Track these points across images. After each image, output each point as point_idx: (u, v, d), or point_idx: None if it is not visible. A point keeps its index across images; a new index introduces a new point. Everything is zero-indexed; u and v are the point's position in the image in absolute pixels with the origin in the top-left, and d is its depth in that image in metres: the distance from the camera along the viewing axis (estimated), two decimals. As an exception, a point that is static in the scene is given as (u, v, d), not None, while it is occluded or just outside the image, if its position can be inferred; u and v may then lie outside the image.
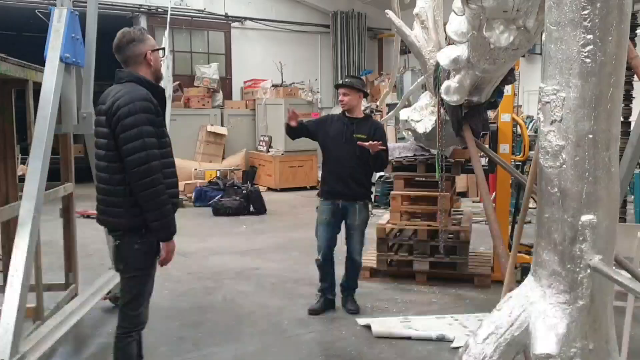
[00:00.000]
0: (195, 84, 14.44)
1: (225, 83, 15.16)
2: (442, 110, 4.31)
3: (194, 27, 15.08)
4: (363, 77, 15.59)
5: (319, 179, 5.65)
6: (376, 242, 5.75)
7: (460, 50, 3.89)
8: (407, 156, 5.70)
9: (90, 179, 4.63)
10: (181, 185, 12.18)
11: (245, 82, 15.54)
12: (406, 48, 5.07)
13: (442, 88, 4.07)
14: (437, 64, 4.36)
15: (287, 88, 14.24)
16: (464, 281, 5.75)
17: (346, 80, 5.08)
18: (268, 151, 13.87)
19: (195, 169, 12.95)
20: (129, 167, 2.97)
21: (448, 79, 4.15)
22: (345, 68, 16.80)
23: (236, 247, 7.75)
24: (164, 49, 3.39)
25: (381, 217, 5.98)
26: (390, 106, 10.57)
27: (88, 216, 9.78)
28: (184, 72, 14.88)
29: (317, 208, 5.09)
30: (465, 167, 5.71)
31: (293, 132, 4.96)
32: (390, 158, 5.80)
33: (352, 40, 16.89)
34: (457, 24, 3.68)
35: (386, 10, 4.74)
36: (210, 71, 14.69)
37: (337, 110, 17.19)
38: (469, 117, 4.23)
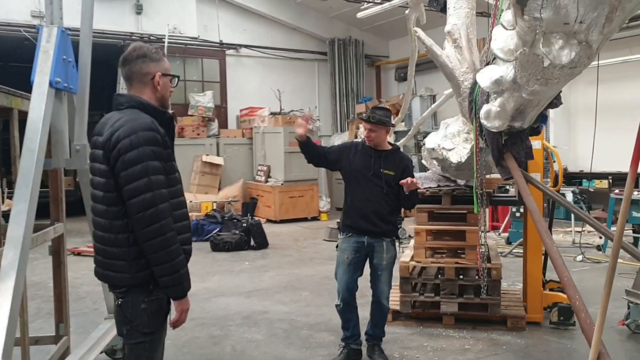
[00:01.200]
0: (189, 113, 14.00)
1: (220, 111, 14.73)
2: (479, 138, 3.85)
3: (188, 55, 14.70)
4: (388, 111, 15.22)
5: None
6: (399, 282, 5.23)
7: (504, 70, 3.45)
8: (430, 187, 5.23)
9: (82, 212, 4.11)
10: (177, 218, 11.66)
11: (241, 111, 15.12)
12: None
13: (482, 113, 3.61)
14: (473, 86, 3.92)
15: (286, 116, 13.82)
16: (495, 323, 5.22)
17: (374, 115, 4.42)
18: (267, 181, 13.39)
19: (191, 201, 12.41)
20: (133, 211, 2.47)
21: (487, 102, 3.70)
22: (344, 95, 16.45)
23: (240, 287, 7.19)
24: (178, 77, 2.89)
25: (402, 254, 5.47)
26: (398, 134, 10.12)
27: (79, 254, 9.22)
28: (177, 101, 14.43)
29: (336, 247, 4.59)
30: (493, 199, 5.24)
31: (307, 151, 4.46)
32: (411, 189, 5.35)
33: (350, 67, 16.56)
34: (505, 39, 3.24)
35: (415, 29, 4.29)
36: (205, 99, 14.26)
37: (337, 139, 16.77)
38: (511, 144, 3.77)
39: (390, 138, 10.47)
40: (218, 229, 10.54)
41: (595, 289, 6.72)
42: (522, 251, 8.37)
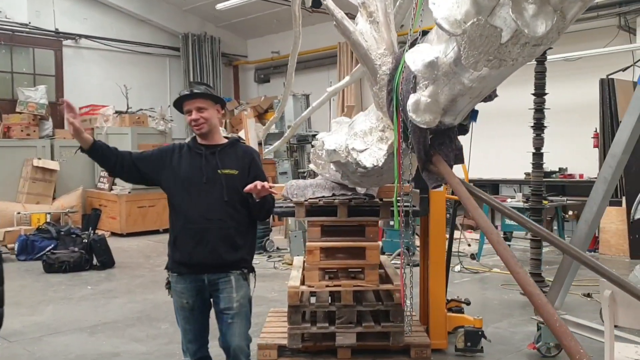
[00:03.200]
0: (17, 110, 12.00)
1: (55, 109, 12.82)
2: (401, 136, 3.09)
3: (17, 44, 12.68)
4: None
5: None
6: (287, 312, 4.32)
7: (442, 50, 2.69)
8: (323, 196, 4.39)
9: None
10: (0, 233, 9.79)
11: (81, 109, 13.28)
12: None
13: (410, 104, 2.82)
14: (393, 72, 3.14)
15: (134, 115, 12.35)
16: (397, 353, 4.50)
17: (196, 88, 3.37)
18: (111, 189, 11.85)
19: (19, 213, 10.57)
20: None
21: (414, 91, 2.94)
22: (198, 95, 15.22)
23: (82, 320, 5.81)
24: None
25: (290, 278, 4.55)
26: (270, 137, 9.24)
27: None
28: (2, 96, 12.36)
29: (168, 288, 3.39)
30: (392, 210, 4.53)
31: (95, 156, 3.43)
32: (301, 199, 4.48)
33: (206, 65, 15.40)
34: (450, 6, 2.47)
35: (323, -1, 3.41)
36: (37, 95, 12.33)
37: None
38: (438, 145, 3.02)
39: (262, 142, 9.52)
40: (53, 245, 8.91)
41: (486, 303, 6.34)
42: (399, 262, 7.94)
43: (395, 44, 3.26)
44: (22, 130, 11.72)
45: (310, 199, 4.42)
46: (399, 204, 3.22)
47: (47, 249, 8.84)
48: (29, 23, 12.83)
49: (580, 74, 9.89)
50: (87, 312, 6.12)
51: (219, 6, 11.36)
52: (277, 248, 9.45)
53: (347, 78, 5.23)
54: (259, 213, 3.34)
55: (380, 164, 3.25)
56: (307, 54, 13.35)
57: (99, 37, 14.04)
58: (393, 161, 3.43)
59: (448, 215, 5.36)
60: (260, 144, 9.44)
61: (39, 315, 5.96)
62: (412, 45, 2.90)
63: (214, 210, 3.22)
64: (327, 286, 4.32)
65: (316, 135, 5.09)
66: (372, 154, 3.29)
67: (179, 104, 3.36)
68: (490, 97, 3.03)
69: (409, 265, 7.67)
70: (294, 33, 5.12)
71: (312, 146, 4.93)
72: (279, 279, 7.37)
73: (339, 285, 4.30)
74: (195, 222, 3.22)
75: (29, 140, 11.74)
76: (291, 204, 4.51)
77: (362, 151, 3.31)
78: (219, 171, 3.27)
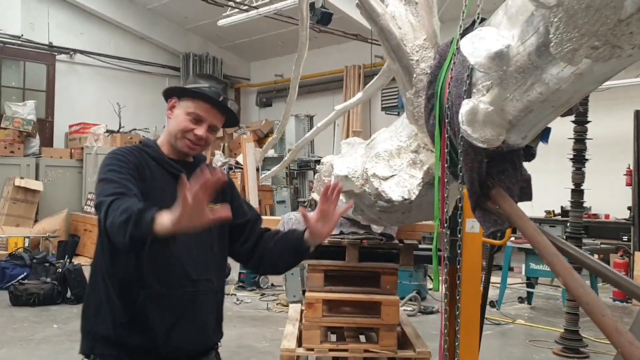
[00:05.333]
0: (2, 126, 11.25)
1: (44, 126, 12.10)
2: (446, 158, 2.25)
3: (7, 56, 12.04)
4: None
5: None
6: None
7: (514, 35, 1.87)
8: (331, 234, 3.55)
9: None
10: (-30, 257, 8.94)
11: (71, 127, 12.56)
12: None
13: (462, 113, 2.00)
14: (436, 71, 2.33)
15: (127, 135, 11.58)
16: None
17: (231, 103, 2.15)
18: (98, 213, 10.96)
19: (-4, 235, 9.70)
20: None
21: (468, 96, 2.12)
22: (197, 117, 14.48)
23: (36, 369, 4.93)
24: None
25: (284, 336, 3.65)
26: (267, 161, 8.43)
27: None
28: (-12, 109, 11.66)
29: None
30: (417, 254, 3.67)
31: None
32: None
33: (206, 86, 14.68)
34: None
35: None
36: (24, 110, 11.63)
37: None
38: (498, 172, 2.20)
39: (259, 167, 8.70)
40: (24, 274, 8.01)
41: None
42: (410, 309, 7.08)
43: (438, 33, 2.44)
44: (5, 147, 10.99)
45: (312, 237, 3.56)
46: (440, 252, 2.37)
47: (18, 278, 7.95)
48: (22, 35, 12.19)
49: (613, 105, 9.11)
50: (46, 359, 5.21)
51: (221, 22, 10.67)
52: (272, 284, 8.53)
53: (359, 94, 4.42)
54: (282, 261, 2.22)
55: (412, 197, 2.39)
56: (312, 78, 12.66)
57: (95, 52, 13.39)
58: (428, 194, 2.59)
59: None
60: (257, 169, 8.63)
61: (-12, 361, 5.08)
62: (467, 32, 2.09)
63: (202, 267, 2.07)
64: (330, 350, 3.41)
65: (319, 160, 4.22)
66: (401, 183, 2.43)
67: (184, 94, 2.10)
68: (571, 110, 2.21)
69: (422, 312, 6.74)
70: (299, 39, 4.34)
71: (316, 171, 4.09)
72: (272, 323, 6.47)
73: (346, 350, 3.40)
74: (179, 285, 2.04)
75: (12, 157, 11.03)
76: (288, 242, 3.64)
77: (386, 179, 2.46)
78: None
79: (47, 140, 12.08)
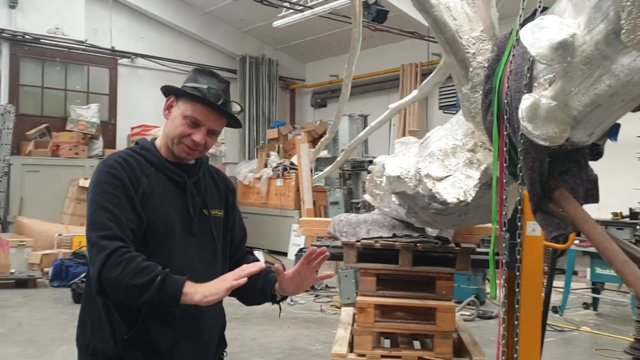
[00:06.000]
0: (67, 128, 11.65)
1: (107, 128, 12.45)
2: (505, 157, 2.12)
3: (72, 61, 12.41)
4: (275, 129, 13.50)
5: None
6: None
7: (580, 24, 1.72)
8: (381, 237, 3.44)
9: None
10: (38, 256, 9.27)
11: (132, 129, 12.90)
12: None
13: (523, 109, 1.86)
14: (494, 64, 2.20)
15: (185, 137, 11.79)
16: None
17: (234, 106, 2.10)
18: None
19: (60, 235, 10.04)
20: None
21: (529, 90, 1.98)
22: (254, 119, 14.62)
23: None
24: None
25: (336, 340, 3.57)
26: (320, 161, 8.38)
27: None
28: (55, 114, 12.10)
29: None
30: (475, 259, 3.51)
31: None
32: (352, 239, 3.53)
33: (262, 88, 14.82)
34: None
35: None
36: (88, 113, 12.02)
37: (245, 167, 14.77)
38: (561, 172, 2.05)
39: (312, 168, 8.68)
40: (86, 272, 8.24)
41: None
42: (467, 314, 6.87)
43: (496, 24, 2.31)
44: (70, 149, 11.37)
45: (363, 239, 3.45)
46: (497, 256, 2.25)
47: (81, 276, 8.18)
48: (86, 40, 12.56)
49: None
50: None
51: (276, 24, 10.71)
52: (326, 286, 8.46)
53: (414, 92, 4.30)
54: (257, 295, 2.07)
55: (469, 198, 2.27)
56: (366, 77, 12.54)
57: (156, 56, 13.69)
58: (486, 195, 2.46)
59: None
60: (311, 170, 8.58)
61: (48, 358, 5.21)
62: (527, 21, 1.95)
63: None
64: (382, 357, 3.31)
65: (373, 160, 4.11)
66: (457, 184, 2.31)
67: (177, 94, 1.99)
68: (640, 105, 2.03)
69: (480, 317, 6.51)
70: (352, 36, 4.26)
71: (369, 172, 4.00)
72: (326, 325, 6.40)
73: (399, 357, 3.28)
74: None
75: (77, 159, 11.40)
76: (339, 244, 3.56)
77: (441, 179, 2.35)
78: (204, 211, 2.04)
79: (110, 142, 12.42)
